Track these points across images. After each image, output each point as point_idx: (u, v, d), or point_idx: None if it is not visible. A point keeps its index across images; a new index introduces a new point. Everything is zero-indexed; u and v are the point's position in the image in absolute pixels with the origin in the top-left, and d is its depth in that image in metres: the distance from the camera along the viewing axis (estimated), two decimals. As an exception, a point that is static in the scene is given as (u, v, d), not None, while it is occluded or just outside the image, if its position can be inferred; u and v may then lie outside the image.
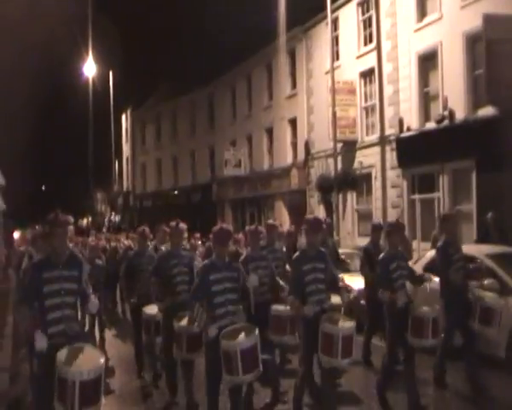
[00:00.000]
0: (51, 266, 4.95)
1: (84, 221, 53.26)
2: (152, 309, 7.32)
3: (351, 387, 7.36)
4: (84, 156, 42.03)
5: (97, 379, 4.52)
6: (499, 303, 6.93)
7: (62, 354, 4.58)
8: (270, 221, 9.13)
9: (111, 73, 41.07)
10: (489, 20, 14.05)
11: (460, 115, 15.85)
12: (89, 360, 4.58)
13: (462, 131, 15.50)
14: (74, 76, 40.68)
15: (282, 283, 7.17)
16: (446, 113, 16.09)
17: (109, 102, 41.54)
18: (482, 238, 12.48)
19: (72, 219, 5.26)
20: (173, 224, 7.15)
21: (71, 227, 5.42)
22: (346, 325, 5.77)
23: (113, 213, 52.22)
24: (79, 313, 5.30)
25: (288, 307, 6.40)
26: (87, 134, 36.32)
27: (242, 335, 5.11)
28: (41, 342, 4.68)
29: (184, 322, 6.08)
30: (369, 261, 8.27)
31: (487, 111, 14.90)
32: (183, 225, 7.15)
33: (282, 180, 25.12)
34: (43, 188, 72.18)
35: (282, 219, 24.38)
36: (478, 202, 15.50)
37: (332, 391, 6.23)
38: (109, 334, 11.32)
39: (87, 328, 8.96)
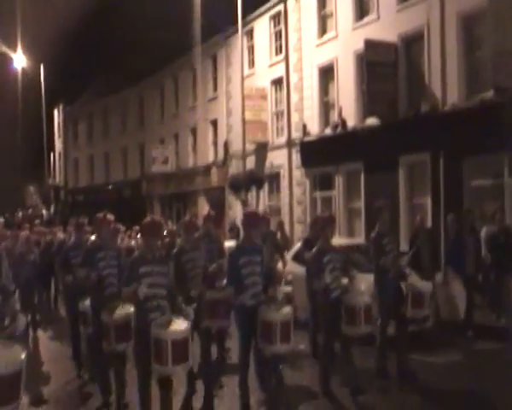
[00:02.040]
0: None
1: (20, 214, 53.21)
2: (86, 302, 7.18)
3: (300, 381, 7.42)
4: (14, 150, 42.50)
5: (16, 374, 4.24)
6: (428, 287, 7.51)
7: None
8: (207, 211, 9.43)
9: (42, 67, 41.52)
10: (370, 44, 16.26)
11: (351, 123, 18.07)
12: (7, 354, 4.34)
13: (353, 138, 17.70)
14: (4, 68, 40.92)
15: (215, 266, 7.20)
16: (339, 121, 18.27)
17: (41, 97, 42.01)
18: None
19: None
20: (100, 215, 7.03)
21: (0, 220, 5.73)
22: (284, 311, 5.87)
23: (45, 207, 52.40)
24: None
25: (221, 292, 6.54)
26: (19, 128, 36.96)
27: (175, 325, 5.10)
28: None
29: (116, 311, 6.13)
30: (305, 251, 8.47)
31: (372, 121, 17.15)
32: (110, 217, 7.01)
33: (205, 178, 26.90)
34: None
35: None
36: (365, 199, 17.78)
37: (278, 385, 6.21)
38: (44, 335, 10.99)
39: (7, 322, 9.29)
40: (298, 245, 11.31)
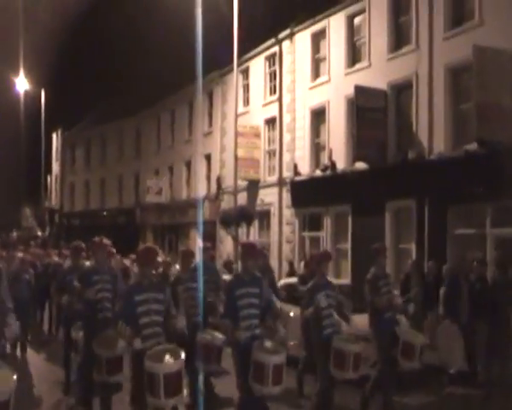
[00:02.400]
0: None
1: (14, 234, 53.33)
2: (78, 329, 7.26)
3: None
4: (12, 171, 42.76)
5: (5, 403, 4.21)
6: (420, 340, 7.35)
7: None
8: (204, 243, 9.33)
9: (43, 92, 42.05)
10: (360, 90, 16.63)
11: (341, 166, 18.36)
12: None
13: (342, 180, 17.98)
14: (6, 91, 41.48)
15: (213, 300, 7.23)
16: (329, 163, 18.57)
17: (40, 120, 42.46)
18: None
19: None
20: (97, 239, 7.08)
21: None
22: (278, 353, 5.75)
23: (40, 229, 52.49)
24: None
25: (215, 336, 6.59)
26: (17, 150, 37.37)
27: (168, 357, 5.05)
28: None
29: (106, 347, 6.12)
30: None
31: (362, 165, 17.45)
32: (107, 241, 7.08)
33: (196, 211, 27.08)
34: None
35: (197, 247, 26.31)
36: (352, 241, 17.98)
37: None
38: (36, 357, 10.99)
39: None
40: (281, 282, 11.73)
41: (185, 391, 5.22)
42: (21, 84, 37.45)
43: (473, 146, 14.05)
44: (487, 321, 8.93)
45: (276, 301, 7.48)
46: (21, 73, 36.80)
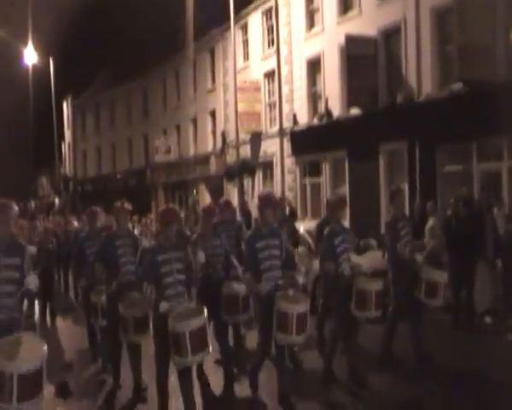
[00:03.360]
0: None
1: (33, 204, 54.81)
2: (99, 293, 7.23)
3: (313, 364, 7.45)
4: (26, 141, 43.86)
5: (38, 371, 4.31)
6: (443, 277, 7.36)
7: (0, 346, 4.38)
8: (225, 199, 9.12)
9: (51, 61, 42.73)
10: (350, 39, 17.18)
11: (337, 113, 19.02)
12: (28, 352, 4.36)
13: (338, 127, 18.67)
14: (14, 62, 42.27)
15: (235, 262, 7.14)
16: (325, 112, 19.23)
17: (51, 89, 43.26)
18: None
19: (14, 204, 5.12)
20: (118, 204, 7.00)
21: (15, 211, 5.14)
22: (301, 302, 5.81)
23: (57, 197, 53.86)
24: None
25: (239, 286, 6.63)
26: (29, 120, 38.40)
27: (191, 315, 5.13)
28: None
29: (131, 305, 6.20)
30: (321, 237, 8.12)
31: (356, 111, 18.09)
32: (128, 205, 7.01)
33: (204, 166, 28.00)
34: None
35: (206, 201, 27.30)
36: (350, 185, 18.77)
37: (295, 366, 6.77)
38: (63, 323, 11.09)
39: (35, 317, 8.76)
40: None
41: (211, 346, 5.20)
42: (30, 54, 38.24)
43: (457, 86, 14.63)
44: (460, 255, 9.38)
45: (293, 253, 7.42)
46: (30, 44, 37.60)
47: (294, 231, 9.84)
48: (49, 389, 4.66)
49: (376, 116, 17.09)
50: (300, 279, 6.37)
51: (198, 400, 5.89)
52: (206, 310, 5.23)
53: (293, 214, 13.89)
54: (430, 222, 11.37)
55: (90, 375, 7.66)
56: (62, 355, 8.69)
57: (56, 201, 53.75)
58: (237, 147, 21.13)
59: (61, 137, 47.87)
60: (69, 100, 45.76)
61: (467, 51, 13.71)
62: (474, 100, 14.08)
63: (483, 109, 13.54)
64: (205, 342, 5.10)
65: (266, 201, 6.17)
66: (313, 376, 7.06)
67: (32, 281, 4.91)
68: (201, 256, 6.30)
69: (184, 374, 5.25)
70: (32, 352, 4.34)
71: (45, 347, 4.40)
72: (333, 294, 6.81)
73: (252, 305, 6.76)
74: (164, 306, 5.21)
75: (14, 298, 4.86)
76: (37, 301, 11.26)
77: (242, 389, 6.53)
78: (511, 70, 13.61)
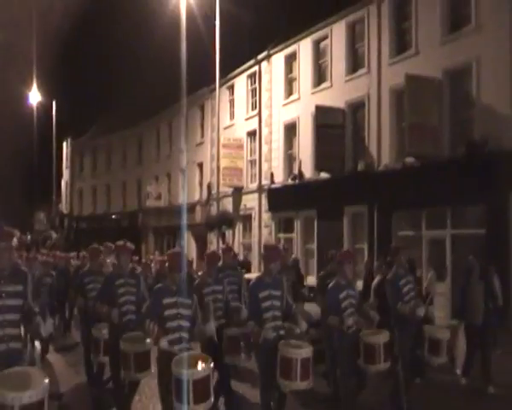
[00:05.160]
0: None
1: (28, 237, 56.14)
2: (102, 327, 7.21)
3: None
4: (26, 178, 45.61)
5: (39, 403, 4.22)
6: (446, 335, 7.32)
7: (1, 377, 4.28)
8: (226, 245, 9.90)
9: (54, 103, 44.80)
10: (320, 110, 18.95)
11: (309, 175, 20.64)
12: (30, 383, 4.29)
13: (309, 188, 20.25)
14: (19, 103, 44.39)
15: (238, 304, 7.20)
16: (298, 173, 20.86)
17: (52, 129, 45.26)
18: None
19: (17, 232, 5.52)
20: (121, 243, 6.97)
21: (15, 240, 5.14)
22: (304, 348, 5.80)
23: (52, 232, 55.24)
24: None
25: (240, 329, 6.65)
26: (32, 157, 40.54)
27: (195, 363, 5.01)
28: None
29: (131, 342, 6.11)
30: (323, 290, 8.02)
31: (325, 175, 19.70)
32: (130, 245, 6.99)
33: (190, 214, 29.52)
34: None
35: (191, 247, 28.78)
36: (318, 242, 20.27)
37: None
38: (62, 360, 10.83)
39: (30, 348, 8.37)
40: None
41: (212, 397, 5.09)
42: (34, 96, 40.35)
43: (410, 159, 16.28)
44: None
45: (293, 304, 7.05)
46: (34, 86, 39.75)
47: (297, 281, 9.91)
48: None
49: (342, 181, 18.70)
50: (303, 327, 6.23)
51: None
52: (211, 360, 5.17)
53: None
54: (375, 280, 12.69)
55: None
56: (58, 391, 8.43)
57: (53, 235, 55.25)
58: (217, 200, 22.73)
59: (60, 175, 49.65)
60: (69, 141, 47.70)
61: (415, 129, 15.39)
62: (424, 173, 15.73)
63: (430, 182, 15.19)
64: (208, 393, 5.00)
65: (271, 254, 6.21)
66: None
67: (47, 328, 4.80)
68: (211, 328, 5.84)
69: None
70: (34, 384, 4.28)
71: (47, 379, 4.35)
72: (339, 349, 6.71)
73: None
74: (164, 343, 5.17)
75: (17, 328, 4.68)
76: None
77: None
78: (455, 148, 15.27)
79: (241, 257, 22.35)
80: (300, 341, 6.06)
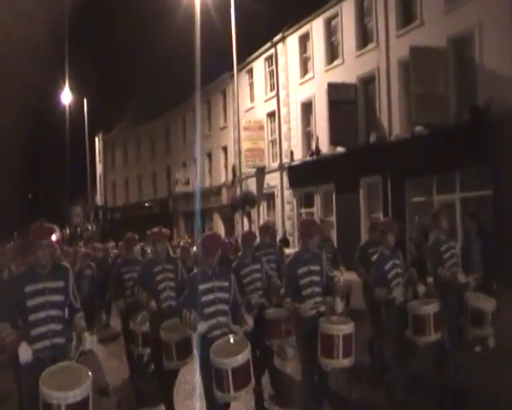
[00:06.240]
0: (34, 279, 4.59)
1: (67, 231, 58.27)
2: (141, 322, 7.11)
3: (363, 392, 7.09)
4: (62, 174, 47.45)
5: (84, 401, 4.21)
6: (491, 305, 6.82)
7: (46, 376, 4.24)
8: (264, 222, 9.67)
9: (85, 101, 46.41)
10: (332, 87, 19.61)
11: (325, 151, 21.36)
12: (75, 380, 4.24)
13: (326, 163, 20.98)
14: (53, 103, 46.18)
15: (278, 282, 6.98)
16: (315, 149, 21.60)
17: (84, 126, 46.89)
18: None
19: (57, 229, 6.19)
20: (156, 230, 6.91)
21: (55, 235, 5.17)
22: (346, 324, 5.57)
23: (90, 225, 57.20)
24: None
25: (281, 310, 6.41)
26: (65, 154, 42.33)
27: (234, 350, 4.84)
28: (25, 355, 4.35)
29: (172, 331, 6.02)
30: (364, 260, 7.84)
31: (340, 149, 20.40)
32: (166, 230, 6.92)
33: (217, 197, 30.59)
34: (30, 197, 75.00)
35: (219, 229, 29.84)
36: (337, 214, 21.02)
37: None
38: (104, 351, 10.65)
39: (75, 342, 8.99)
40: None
41: (253, 379, 4.94)
42: (66, 96, 42.03)
43: (419, 128, 16.85)
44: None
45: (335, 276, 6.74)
46: (67, 86, 41.41)
47: (334, 252, 9.67)
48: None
49: (357, 153, 19.37)
50: (340, 307, 5.85)
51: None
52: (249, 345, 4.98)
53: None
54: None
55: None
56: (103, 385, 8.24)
57: (89, 227, 57.25)
58: (240, 181, 23.64)
59: (94, 169, 51.38)
60: (100, 136, 49.34)
61: (421, 100, 15.95)
62: (433, 140, 16.28)
63: (439, 148, 15.75)
64: (248, 378, 4.87)
65: (308, 229, 5.98)
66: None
67: (89, 344, 4.73)
68: (249, 321, 5.42)
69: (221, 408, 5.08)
70: (78, 381, 4.24)
71: (91, 376, 4.31)
72: (387, 320, 6.38)
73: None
74: (202, 326, 5.00)
75: (61, 323, 4.65)
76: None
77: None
78: (460, 115, 15.77)
79: (280, 234, 23.17)
80: (342, 317, 5.82)
